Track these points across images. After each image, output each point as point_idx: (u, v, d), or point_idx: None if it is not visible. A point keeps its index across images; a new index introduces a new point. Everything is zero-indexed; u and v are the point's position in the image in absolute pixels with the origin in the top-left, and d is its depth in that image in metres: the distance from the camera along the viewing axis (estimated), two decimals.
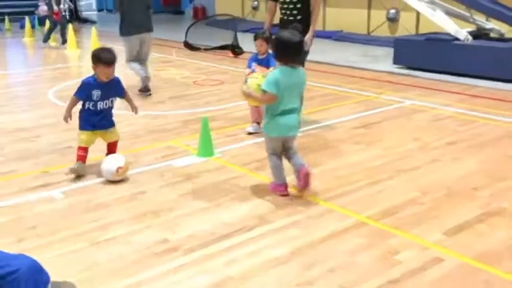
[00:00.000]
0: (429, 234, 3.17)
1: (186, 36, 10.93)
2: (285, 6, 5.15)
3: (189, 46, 10.96)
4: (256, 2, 15.65)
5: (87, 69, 9.51)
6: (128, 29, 6.70)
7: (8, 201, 3.67)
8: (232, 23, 11.48)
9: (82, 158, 4.08)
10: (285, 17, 5.19)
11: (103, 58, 4.02)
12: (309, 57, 7.96)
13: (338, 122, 5.54)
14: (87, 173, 4.12)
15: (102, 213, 3.49)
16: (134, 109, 4.42)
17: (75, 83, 8.14)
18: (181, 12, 20.23)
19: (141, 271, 2.79)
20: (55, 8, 11.32)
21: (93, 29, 10.81)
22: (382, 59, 9.26)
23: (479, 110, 5.96)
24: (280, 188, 3.73)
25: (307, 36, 4.99)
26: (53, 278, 2.52)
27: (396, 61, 8.46)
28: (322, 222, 3.33)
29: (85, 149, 4.11)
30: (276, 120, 3.62)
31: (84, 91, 4.08)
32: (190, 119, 5.66)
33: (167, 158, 4.50)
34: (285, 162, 3.79)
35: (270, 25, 5.33)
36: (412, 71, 8.10)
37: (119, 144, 4.38)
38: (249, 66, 5.07)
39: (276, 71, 3.61)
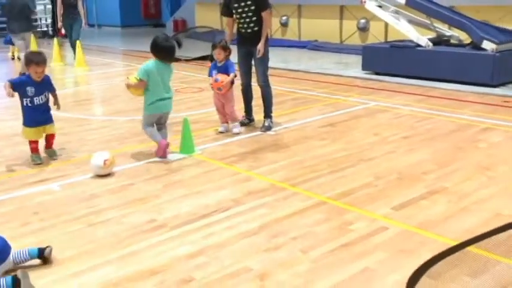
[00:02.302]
0: (379, 209, 3.72)
1: None
2: (242, 20, 5.60)
3: None
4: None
5: (73, 81, 9.98)
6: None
7: (11, 194, 4.13)
8: (211, 35, 12.05)
9: (35, 149, 4.81)
10: (243, 30, 5.65)
11: (34, 59, 4.68)
12: (283, 66, 8.63)
13: (307, 122, 6.11)
14: (80, 170, 4.60)
15: (95, 201, 3.97)
16: (57, 106, 5.02)
17: (62, 94, 8.63)
18: (162, 25, 20.76)
19: (134, 244, 3.28)
20: (59, 24, 11.31)
21: (78, 43, 11.25)
22: (353, 66, 9.89)
23: (435, 108, 6.59)
24: (162, 145, 4.82)
25: (259, 45, 5.51)
26: (56, 252, 3.03)
27: (364, 67, 9.08)
28: (287, 203, 3.86)
29: (35, 141, 4.82)
30: (154, 104, 4.87)
31: (18, 83, 4.68)
32: (173, 122, 6.14)
33: (152, 155, 4.99)
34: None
35: (230, 38, 5.80)
36: (379, 75, 8.73)
37: (108, 145, 4.88)
38: (211, 75, 5.60)
39: (149, 63, 4.85)
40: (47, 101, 4.86)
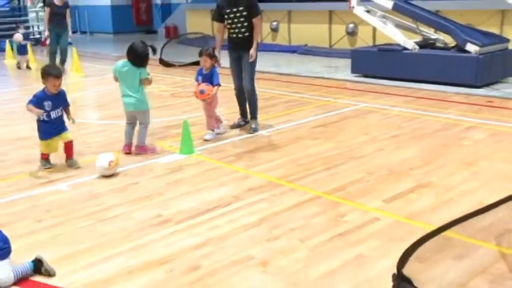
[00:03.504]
0: (371, 202, 3.98)
1: (160, 54, 11.68)
2: (234, 25, 5.84)
3: (164, 63, 11.73)
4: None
5: (69, 88, 10.15)
6: None
7: (23, 194, 4.34)
8: (203, 40, 12.32)
9: (46, 157, 4.95)
10: (234, 35, 5.88)
11: (53, 72, 4.77)
12: (275, 70, 8.89)
13: (300, 123, 6.37)
14: (86, 171, 4.82)
15: (103, 199, 4.19)
16: (72, 120, 4.99)
17: None
18: (154, 32, 20.99)
19: (142, 237, 3.52)
20: (46, 33, 11.00)
21: (74, 50, 11.45)
22: (342, 69, 10.19)
23: (422, 108, 6.89)
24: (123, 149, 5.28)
25: (251, 50, 5.75)
26: (72, 245, 3.26)
27: (353, 70, 9.39)
28: (285, 198, 4.12)
29: (47, 155, 4.93)
30: (122, 99, 5.31)
31: (36, 101, 4.72)
32: (172, 125, 6.41)
33: (154, 156, 5.22)
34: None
35: (221, 44, 6.01)
36: (367, 78, 9.03)
37: (110, 148, 5.10)
38: (197, 79, 5.78)
39: (119, 62, 5.29)
40: (63, 114, 4.94)
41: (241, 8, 5.73)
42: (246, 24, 5.79)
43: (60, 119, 4.91)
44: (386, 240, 3.39)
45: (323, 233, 3.50)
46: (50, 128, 4.83)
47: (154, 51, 5.32)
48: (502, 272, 2.98)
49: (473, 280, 2.93)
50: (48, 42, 10.94)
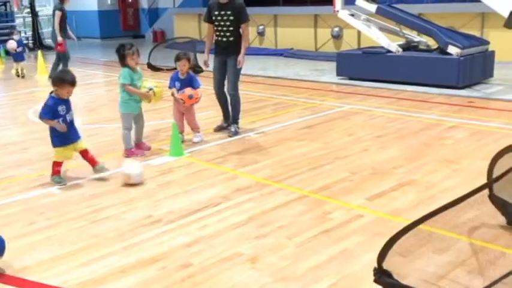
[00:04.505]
0: (355, 200, 4.12)
1: (149, 58, 11.77)
2: (220, 28, 5.95)
3: (152, 67, 11.81)
4: None
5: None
6: None
7: (15, 197, 4.42)
8: (190, 45, 12.42)
9: (58, 172, 4.70)
10: (219, 38, 5.99)
11: (69, 79, 4.66)
12: (262, 73, 9.00)
13: (286, 125, 6.51)
14: (76, 174, 4.90)
15: (95, 201, 4.28)
16: None
17: None
18: (142, 36, 21.04)
19: (134, 236, 3.62)
20: (59, 38, 10.37)
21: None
22: (328, 72, 10.36)
23: (405, 109, 7.07)
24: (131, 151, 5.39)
25: (240, 56, 5.87)
26: (65, 246, 3.35)
27: (339, 73, 9.56)
28: (272, 197, 4.24)
29: (61, 164, 4.72)
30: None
31: (51, 112, 4.57)
32: (161, 128, 6.50)
33: (145, 158, 5.32)
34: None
35: (210, 47, 6.14)
36: (352, 80, 9.21)
37: (101, 151, 5.18)
38: (173, 85, 5.80)
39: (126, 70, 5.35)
40: (73, 119, 4.81)
41: (228, 12, 5.85)
42: (231, 29, 5.91)
43: (73, 124, 4.76)
44: (370, 236, 3.52)
45: (309, 230, 3.63)
46: (69, 132, 4.66)
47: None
48: (479, 263, 3.13)
49: (452, 272, 3.07)
50: (60, 48, 10.51)
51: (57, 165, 4.71)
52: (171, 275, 3.09)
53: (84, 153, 4.83)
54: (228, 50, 5.94)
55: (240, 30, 5.95)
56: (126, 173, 4.60)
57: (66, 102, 4.71)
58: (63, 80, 4.66)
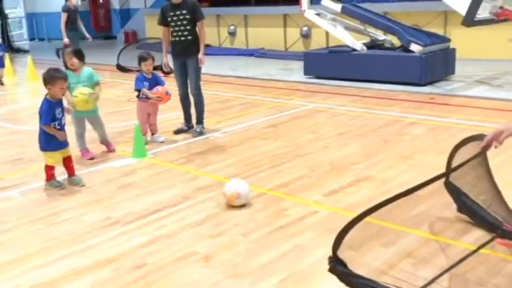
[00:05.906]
0: (311, 196, 4.22)
1: (118, 59, 11.74)
2: (177, 28, 5.98)
3: (121, 68, 11.77)
4: None
5: (25, 95, 10.10)
6: None
7: None
8: (161, 46, 12.38)
9: (53, 176, 4.63)
10: (177, 38, 6.01)
11: (60, 74, 4.54)
12: (232, 73, 9.03)
13: (251, 124, 6.59)
14: (37, 177, 4.88)
15: (54, 204, 4.29)
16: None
17: (18, 107, 8.80)
18: (113, 37, 20.90)
19: (91, 238, 3.64)
20: (65, 40, 10.20)
21: (29, 58, 11.37)
22: (296, 71, 10.48)
23: (368, 107, 7.21)
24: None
25: (200, 55, 5.94)
26: (21, 249, 3.36)
27: (306, 72, 9.68)
28: None
29: (53, 167, 4.62)
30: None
31: (49, 116, 4.47)
32: (126, 130, 6.51)
33: (107, 161, 5.34)
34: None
35: (167, 49, 6.19)
36: (319, 79, 9.33)
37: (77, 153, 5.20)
38: (142, 85, 5.82)
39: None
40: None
41: (184, 12, 5.90)
42: (189, 27, 5.95)
43: (64, 125, 4.63)
44: (324, 231, 3.61)
45: (265, 227, 3.70)
46: (57, 139, 4.53)
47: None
48: (424, 255, 3.25)
49: (399, 264, 3.18)
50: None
51: (50, 169, 4.62)
52: (124, 276, 3.13)
53: (68, 161, 4.71)
54: (187, 51, 5.98)
55: (197, 28, 6.00)
56: (234, 191, 4.05)
57: (61, 105, 4.61)
58: (54, 77, 4.50)
